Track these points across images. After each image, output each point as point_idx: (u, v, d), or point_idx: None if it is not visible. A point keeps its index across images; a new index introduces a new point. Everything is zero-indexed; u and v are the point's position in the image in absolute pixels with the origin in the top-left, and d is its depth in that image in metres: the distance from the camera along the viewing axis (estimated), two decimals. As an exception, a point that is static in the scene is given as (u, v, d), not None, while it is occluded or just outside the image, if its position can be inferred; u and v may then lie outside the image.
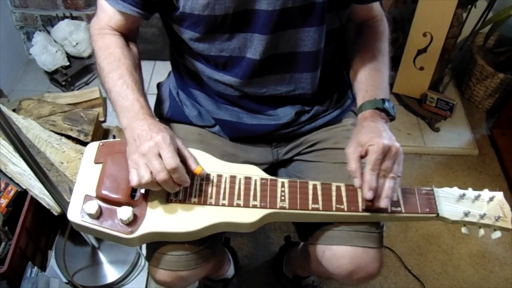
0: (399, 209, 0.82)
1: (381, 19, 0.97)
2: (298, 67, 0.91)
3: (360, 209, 0.82)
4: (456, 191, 0.85)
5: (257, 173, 0.85)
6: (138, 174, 0.74)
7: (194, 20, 0.83)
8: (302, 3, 0.82)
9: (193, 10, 0.81)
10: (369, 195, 0.76)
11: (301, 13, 0.83)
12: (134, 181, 0.75)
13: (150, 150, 0.73)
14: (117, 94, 0.82)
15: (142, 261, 1.48)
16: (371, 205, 0.79)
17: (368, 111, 0.86)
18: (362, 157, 0.79)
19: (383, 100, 0.86)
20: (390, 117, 0.87)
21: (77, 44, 1.97)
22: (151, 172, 0.73)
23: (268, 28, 0.83)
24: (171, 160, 0.73)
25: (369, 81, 0.90)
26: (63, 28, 1.95)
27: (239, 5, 0.80)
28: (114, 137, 1.74)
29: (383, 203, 0.77)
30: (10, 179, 1.35)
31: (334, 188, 0.83)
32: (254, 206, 0.81)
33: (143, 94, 0.84)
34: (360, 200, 0.82)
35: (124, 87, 0.82)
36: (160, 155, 0.73)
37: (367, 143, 0.78)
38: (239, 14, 0.82)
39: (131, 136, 0.78)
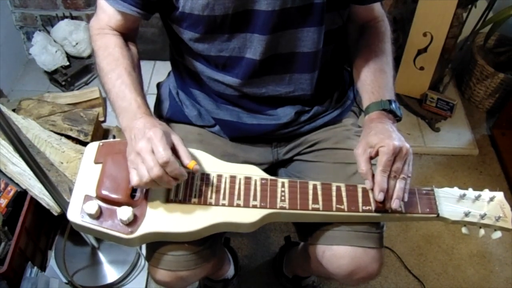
0: (399, 209, 0.82)
1: (383, 20, 0.97)
2: (297, 67, 0.91)
3: (360, 209, 0.81)
4: (456, 191, 0.84)
5: (257, 173, 0.85)
6: (138, 174, 0.74)
7: (194, 20, 0.83)
8: (301, 3, 0.82)
9: (193, 10, 0.81)
10: (380, 196, 0.76)
11: (301, 13, 0.83)
12: (134, 181, 0.74)
13: (143, 147, 0.73)
14: (116, 94, 0.82)
15: (142, 261, 1.48)
16: (382, 207, 0.79)
17: (375, 112, 0.86)
18: (371, 158, 0.79)
19: (390, 101, 0.86)
20: (397, 118, 0.87)
21: (77, 44, 1.96)
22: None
23: (268, 29, 0.83)
24: (162, 154, 0.72)
25: (374, 82, 0.90)
26: (63, 28, 1.95)
27: (238, 5, 0.80)
28: (114, 137, 1.74)
29: (395, 204, 0.77)
30: (10, 179, 1.34)
31: (334, 188, 0.83)
32: (254, 206, 0.81)
33: (142, 93, 0.84)
34: (360, 200, 0.82)
35: (123, 87, 0.82)
36: (153, 151, 0.73)
37: (378, 145, 0.78)
38: (238, 14, 0.82)
39: (129, 135, 0.78)
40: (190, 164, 0.76)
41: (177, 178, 0.75)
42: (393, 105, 0.86)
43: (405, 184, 0.77)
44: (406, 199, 0.78)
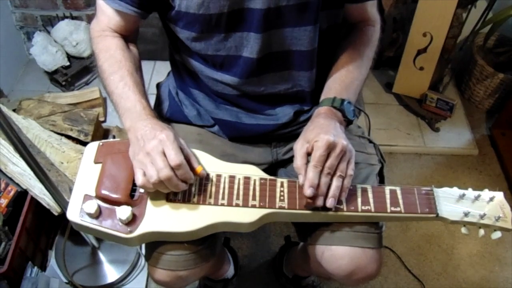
0: (398, 209, 0.82)
1: (373, 25, 0.96)
2: (294, 65, 0.91)
3: (359, 209, 0.81)
4: (456, 191, 0.84)
5: (256, 173, 0.85)
6: (146, 174, 0.74)
7: (190, 19, 0.83)
8: (295, 1, 0.82)
9: (188, 8, 0.81)
10: (309, 191, 0.75)
11: (295, 11, 0.83)
12: (140, 181, 0.75)
13: (154, 148, 0.73)
14: (119, 96, 0.83)
15: (142, 261, 1.48)
16: (312, 203, 0.78)
17: (324, 107, 0.85)
18: (309, 154, 0.78)
19: (343, 100, 0.85)
20: (345, 119, 0.85)
21: (77, 44, 1.97)
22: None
23: (263, 27, 0.83)
24: (175, 157, 0.72)
25: (337, 80, 0.89)
26: (63, 28, 1.95)
27: (233, 4, 0.81)
28: (114, 137, 1.73)
29: (329, 203, 0.76)
30: (10, 179, 1.35)
31: (333, 188, 0.83)
32: (253, 206, 0.81)
33: (145, 95, 0.84)
34: (359, 200, 0.82)
35: (126, 88, 0.82)
36: (164, 153, 0.73)
37: (313, 140, 0.77)
38: (233, 13, 0.82)
39: (134, 136, 0.78)
40: (198, 169, 0.78)
41: (185, 181, 0.75)
42: (345, 104, 0.84)
43: (342, 182, 0.76)
44: (343, 198, 0.78)
